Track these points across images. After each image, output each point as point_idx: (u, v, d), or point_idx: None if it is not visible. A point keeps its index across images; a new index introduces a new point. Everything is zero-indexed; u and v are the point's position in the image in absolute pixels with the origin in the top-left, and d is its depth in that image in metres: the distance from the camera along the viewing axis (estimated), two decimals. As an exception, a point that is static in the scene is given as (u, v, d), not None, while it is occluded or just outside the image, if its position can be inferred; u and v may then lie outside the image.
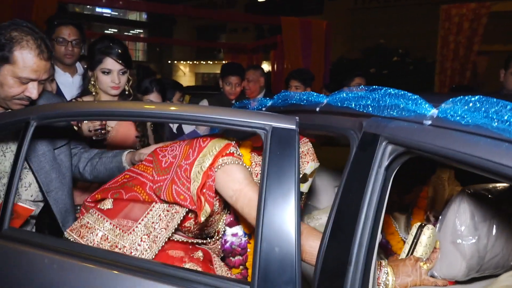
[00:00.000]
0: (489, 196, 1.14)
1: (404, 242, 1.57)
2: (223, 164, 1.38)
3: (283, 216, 1.16)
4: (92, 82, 2.14)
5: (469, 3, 7.88)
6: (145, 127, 2.28)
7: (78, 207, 1.97)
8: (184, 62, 18.88)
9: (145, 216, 1.43)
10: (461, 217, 1.10)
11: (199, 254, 1.55)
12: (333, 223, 1.08)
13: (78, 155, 1.82)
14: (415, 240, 1.32)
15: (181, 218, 1.45)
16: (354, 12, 15.22)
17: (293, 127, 1.24)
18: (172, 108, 1.34)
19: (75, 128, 2.04)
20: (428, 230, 1.30)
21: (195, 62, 17.69)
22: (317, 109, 1.40)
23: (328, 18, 10.02)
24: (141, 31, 19.99)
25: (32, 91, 1.52)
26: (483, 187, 1.16)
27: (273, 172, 1.20)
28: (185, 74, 18.21)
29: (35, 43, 1.48)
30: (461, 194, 1.13)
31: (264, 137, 1.25)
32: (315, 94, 1.46)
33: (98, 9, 17.88)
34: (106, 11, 18.77)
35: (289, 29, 8.47)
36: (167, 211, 1.44)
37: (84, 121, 2.03)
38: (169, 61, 19.33)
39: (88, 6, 15.44)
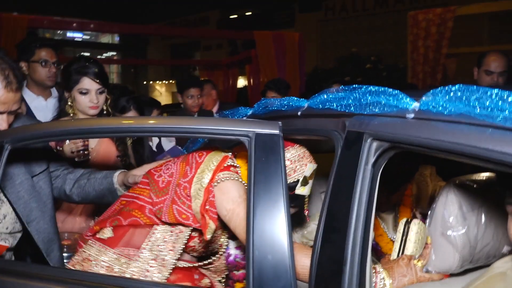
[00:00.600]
0: (475, 186, 1.15)
1: (394, 242, 1.57)
2: (218, 181, 1.36)
3: (273, 222, 1.14)
4: (69, 103, 2.09)
5: (434, 8, 8.16)
6: (126, 146, 2.24)
7: (66, 234, 1.90)
8: (160, 82, 18.81)
9: (148, 240, 1.38)
10: (449, 208, 1.10)
11: (206, 281, 1.52)
12: (324, 225, 1.07)
13: (62, 176, 1.74)
14: (403, 238, 1.32)
15: (187, 237, 1.41)
16: (324, 23, 15.50)
17: (277, 132, 1.24)
18: (153, 121, 1.32)
19: (56, 151, 1.98)
20: (415, 225, 1.30)
21: (170, 81, 17.63)
22: (299, 113, 1.40)
23: (300, 30, 10.18)
24: (114, 53, 19.85)
25: (1, 123, 1.45)
26: (468, 177, 1.17)
27: (260, 179, 1.18)
28: (161, 94, 18.11)
29: (2, 75, 1.41)
30: (448, 186, 1.13)
31: (248, 144, 1.24)
32: (295, 98, 1.46)
33: (69, 34, 17.70)
34: (78, 35, 18.60)
35: (263, 43, 8.57)
36: (171, 232, 1.40)
37: (66, 143, 1.97)
38: (145, 82, 19.22)
39: (59, 32, 15.28)
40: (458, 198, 1.11)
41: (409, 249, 1.28)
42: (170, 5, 14.86)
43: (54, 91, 2.77)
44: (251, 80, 9.18)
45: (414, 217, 1.84)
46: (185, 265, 1.46)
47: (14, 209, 1.53)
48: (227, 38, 11.76)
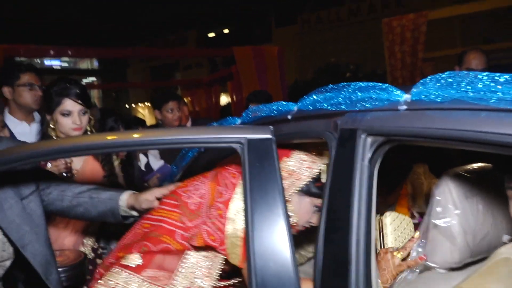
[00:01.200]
0: (470, 175, 1.15)
1: None
2: None
3: (273, 228, 1.12)
4: (52, 126, 2.05)
5: (407, 14, 8.37)
6: (112, 166, 2.19)
7: (57, 252, 1.83)
8: (142, 104, 18.72)
9: (181, 267, 1.31)
10: (440, 198, 1.10)
11: None
12: (325, 225, 1.05)
13: (55, 193, 1.67)
14: (381, 234, 1.31)
15: (222, 262, 1.34)
16: (301, 36, 15.73)
17: (269, 136, 1.23)
18: (143, 134, 1.29)
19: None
20: (386, 218, 1.30)
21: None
22: (289, 117, 1.39)
23: (277, 44, 10.29)
24: (94, 79, 19.73)
25: None
26: (463, 168, 1.18)
27: (255, 184, 1.17)
28: (144, 116, 18.02)
29: None
30: (442, 178, 1.13)
31: (241, 150, 1.22)
32: (284, 103, 1.45)
33: (47, 62, 17.53)
34: (56, 63, 18.44)
35: (243, 59, 8.61)
36: (205, 257, 1.34)
37: (48, 166, 1.92)
38: (126, 105, 19.08)
39: (36, 60, 15.14)
40: (449, 188, 1.11)
41: (388, 242, 1.28)
42: (148, 27, 14.91)
43: (36, 116, 2.73)
44: (234, 97, 9.19)
45: (412, 216, 1.84)
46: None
47: (6, 235, 1.47)
48: (207, 56, 11.80)
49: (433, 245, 1.12)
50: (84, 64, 20.66)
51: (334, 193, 1.06)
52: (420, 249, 1.20)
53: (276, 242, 1.11)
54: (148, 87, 16.01)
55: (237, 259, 1.28)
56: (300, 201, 1.41)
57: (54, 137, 2.06)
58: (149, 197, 1.55)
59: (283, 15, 15.80)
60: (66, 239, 2.04)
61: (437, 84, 0.86)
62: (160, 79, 16.74)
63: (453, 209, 1.09)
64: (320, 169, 1.40)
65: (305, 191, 1.40)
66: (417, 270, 1.20)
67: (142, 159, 2.88)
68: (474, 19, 10.17)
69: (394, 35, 8.26)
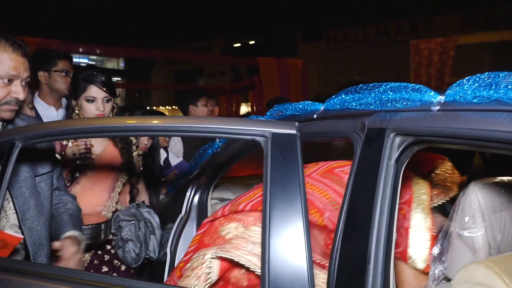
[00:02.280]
0: (499, 188, 1.12)
1: None
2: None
3: (291, 222, 1.10)
4: (76, 111, 2.09)
5: (436, 38, 8.30)
6: (130, 155, 2.21)
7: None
8: (163, 108, 18.98)
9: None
10: (466, 208, 1.07)
11: None
12: (345, 222, 1.03)
13: (56, 191, 1.74)
14: None
15: None
16: (326, 52, 15.76)
17: (294, 131, 1.21)
18: (169, 120, 1.29)
19: (58, 156, 1.96)
20: None
21: (174, 107, 17.79)
22: (315, 116, 1.38)
23: (302, 59, 10.33)
24: (119, 79, 20.12)
25: (17, 90, 1.47)
26: (493, 180, 1.14)
27: (276, 178, 1.15)
28: (164, 119, 18.21)
29: (7, 42, 1.46)
30: (469, 187, 1.10)
31: (264, 144, 1.21)
32: (310, 102, 1.44)
33: (75, 59, 17.95)
34: (84, 61, 18.90)
35: (267, 69, 8.66)
36: None
37: (69, 145, 1.96)
38: (148, 107, 19.38)
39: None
40: (477, 198, 1.07)
41: None
42: (175, 32, 15.15)
43: (64, 102, 2.79)
44: (254, 106, 9.23)
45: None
46: None
47: (13, 203, 1.50)
48: (232, 64, 11.92)
49: (454, 254, 1.08)
50: (111, 64, 21.09)
51: (356, 191, 1.04)
52: (441, 267, 1.16)
53: (293, 237, 1.09)
54: (172, 89, 16.21)
55: (422, 262, 1.21)
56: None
57: None
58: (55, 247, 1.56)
59: (310, 30, 15.87)
60: (91, 198, 2.08)
61: (475, 84, 0.84)
62: (184, 84, 16.94)
63: (480, 220, 1.05)
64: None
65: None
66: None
67: (162, 154, 2.90)
68: (503, 46, 10.02)
69: (421, 58, 8.21)
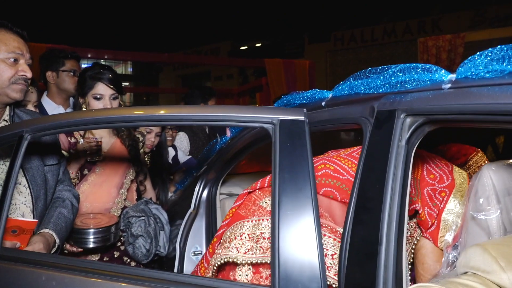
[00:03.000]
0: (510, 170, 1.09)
1: None
2: None
3: (300, 209, 1.09)
4: (84, 109, 2.10)
5: (444, 35, 8.23)
6: (138, 152, 2.21)
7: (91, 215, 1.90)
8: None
9: None
10: (481, 190, 1.04)
11: None
12: (356, 206, 1.01)
13: (59, 186, 1.75)
14: None
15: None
16: (333, 53, 15.71)
17: (302, 118, 1.20)
18: (177, 109, 1.29)
19: (65, 153, 1.97)
20: None
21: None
22: (323, 103, 1.36)
23: (309, 60, 10.32)
24: (127, 83, 20.29)
25: (25, 68, 1.53)
26: (506, 162, 1.11)
27: (285, 164, 1.14)
28: (172, 123, 18.24)
29: (8, 27, 1.55)
30: (483, 169, 1.07)
31: (272, 131, 1.20)
32: (318, 90, 1.43)
33: (84, 65, 18.11)
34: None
35: (274, 70, 8.65)
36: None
37: (80, 142, 1.96)
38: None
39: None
40: (491, 181, 1.05)
41: None
42: (182, 37, 15.25)
43: (71, 102, 2.81)
44: (262, 108, 9.19)
45: None
46: None
47: (29, 187, 1.53)
48: (239, 66, 11.95)
49: (468, 238, 1.06)
50: (119, 69, 21.27)
51: (366, 173, 1.02)
52: (454, 253, 1.14)
53: (302, 223, 1.07)
54: (180, 92, 16.27)
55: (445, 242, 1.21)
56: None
57: None
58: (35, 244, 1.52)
59: (317, 31, 15.85)
60: (101, 195, 2.07)
61: (487, 59, 0.82)
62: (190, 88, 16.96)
63: (495, 202, 1.03)
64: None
65: None
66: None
67: (170, 152, 2.90)
68: (513, 44, 9.90)
69: (429, 55, 8.13)
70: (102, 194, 2.08)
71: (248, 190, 1.51)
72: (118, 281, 1.09)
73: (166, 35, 14.71)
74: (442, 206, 1.21)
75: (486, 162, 1.42)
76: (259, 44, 17.57)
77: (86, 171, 2.07)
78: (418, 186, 1.26)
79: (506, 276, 0.68)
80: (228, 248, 1.32)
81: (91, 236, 1.81)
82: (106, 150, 2.12)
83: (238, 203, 1.51)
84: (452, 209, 1.19)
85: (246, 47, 17.81)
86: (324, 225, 1.29)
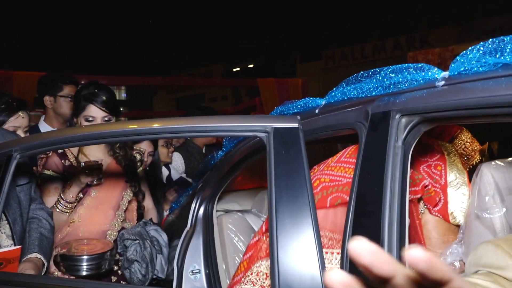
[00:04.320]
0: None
1: None
2: None
3: (298, 216, 1.06)
4: None
5: (433, 49, 8.35)
6: (135, 172, 2.17)
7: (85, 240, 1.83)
8: (166, 135, 18.97)
9: None
10: (483, 188, 1.02)
11: None
12: (355, 210, 0.98)
13: (32, 205, 1.71)
14: None
15: None
16: (325, 71, 15.87)
17: (296, 125, 1.19)
18: (170, 122, 1.27)
19: (52, 173, 1.94)
20: None
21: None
22: (317, 111, 1.35)
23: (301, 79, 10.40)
24: (122, 109, 20.34)
25: None
26: (505, 161, 1.10)
27: (280, 171, 1.12)
28: (168, 146, 18.17)
29: None
30: (483, 168, 1.05)
31: (266, 139, 1.18)
32: (311, 98, 1.42)
33: (77, 92, 18.10)
34: (85, 93, 19.12)
35: (267, 90, 8.71)
36: None
37: (82, 165, 1.92)
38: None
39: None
40: (493, 179, 1.03)
41: None
42: (175, 61, 15.36)
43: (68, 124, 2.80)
44: (256, 127, 9.19)
45: None
46: None
47: (4, 213, 1.48)
48: (232, 86, 12.03)
49: (472, 238, 1.03)
50: (113, 95, 21.30)
51: (364, 176, 1.00)
52: (456, 252, 1.11)
53: (300, 231, 1.04)
54: (174, 115, 16.29)
55: (462, 217, 1.19)
56: None
57: None
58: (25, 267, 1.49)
59: (308, 50, 16.04)
60: (97, 218, 2.02)
61: (479, 52, 0.81)
62: (186, 109, 16.99)
63: (499, 201, 1.00)
64: None
65: None
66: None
67: (164, 172, 2.86)
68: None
69: (419, 69, 8.21)
70: (98, 217, 2.03)
71: (255, 239, 1.49)
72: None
73: (159, 60, 14.84)
74: (443, 181, 1.19)
75: (474, 139, 1.41)
76: (251, 65, 17.73)
77: (81, 194, 2.02)
78: (414, 166, 1.25)
79: None
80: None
81: (84, 263, 1.74)
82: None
83: (248, 255, 1.50)
84: (453, 180, 1.18)
85: (238, 69, 17.96)
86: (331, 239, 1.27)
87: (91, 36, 12.25)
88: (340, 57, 15.75)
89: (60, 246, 1.81)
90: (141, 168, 2.27)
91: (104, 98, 2.03)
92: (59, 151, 2.04)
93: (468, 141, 1.38)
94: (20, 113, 2.09)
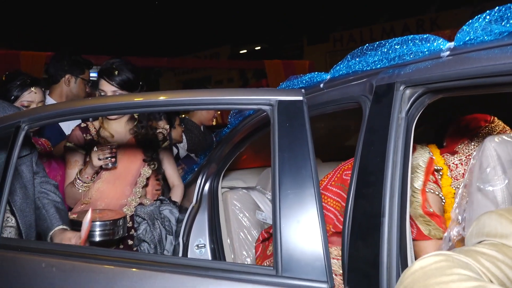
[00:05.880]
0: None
1: None
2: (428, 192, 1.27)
3: (301, 187, 1.07)
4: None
5: (443, 31, 8.21)
6: (153, 150, 2.16)
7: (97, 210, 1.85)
8: (172, 116, 19.01)
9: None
10: (485, 161, 1.02)
11: None
12: (357, 180, 0.99)
13: (37, 178, 1.70)
14: None
15: None
16: (333, 54, 15.70)
17: (300, 98, 1.19)
18: (174, 95, 1.27)
19: (72, 145, 1.95)
20: None
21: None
22: (321, 85, 1.35)
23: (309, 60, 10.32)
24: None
25: None
26: (508, 135, 1.10)
27: (284, 144, 1.12)
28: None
29: None
30: (484, 143, 1.06)
31: (271, 112, 1.19)
32: (316, 73, 1.42)
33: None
34: (93, 75, 19.15)
35: (274, 72, 8.66)
36: None
37: (94, 150, 1.93)
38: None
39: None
40: (495, 152, 1.03)
41: None
42: (181, 42, 15.27)
43: None
44: (263, 109, 9.17)
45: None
46: None
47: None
48: (238, 68, 11.98)
49: (474, 211, 1.04)
50: (119, 77, 21.27)
51: (367, 148, 1.00)
52: (457, 229, 1.12)
53: (303, 201, 1.05)
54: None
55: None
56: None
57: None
58: (72, 241, 1.51)
59: (316, 33, 15.86)
60: (115, 193, 2.05)
61: (485, 21, 0.81)
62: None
63: (501, 173, 1.01)
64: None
65: None
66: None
67: (173, 151, 2.89)
68: None
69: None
70: (116, 192, 2.05)
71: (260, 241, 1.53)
72: (120, 266, 1.08)
73: (165, 42, 14.76)
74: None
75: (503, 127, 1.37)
76: (259, 47, 17.59)
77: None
78: None
79: None
80: None
81: (96, 229, 1.79)
82: (121, 144, 2.09)
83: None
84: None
85: (245, 51, 17.83)
86: None
87: (98, 17, 12.20)
88: (348, 39, 15.56)
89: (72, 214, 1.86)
90: (165, 144, 2.26)
91: (116, 73, 2.03)
92: (82, 125, 2.09)
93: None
94: (33, 88, 2.12)
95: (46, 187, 1.71)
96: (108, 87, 2.02)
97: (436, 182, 1.27)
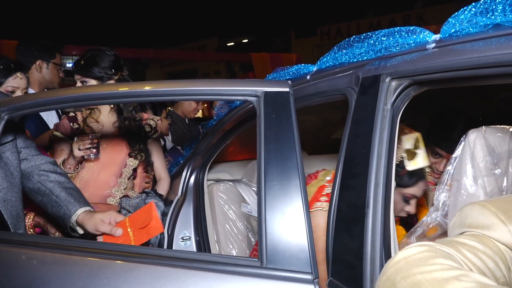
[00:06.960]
0: (501, 135, 1.09)
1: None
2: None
3: (286, 179, 1.07)
4: None
5: (429, 26, 8.28)
6: (139, 142, 2.12)
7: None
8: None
9: None
10: (480, 152, 1.03)
11: None
12: (342, 172, 1.00)
13: (30, 160, 1.59)
14: None
15: None
16: (320, 47, 15.73)
17: (287, 89, 1.18)
18: (159, 85, 1.25)
19: (61, 135, 1.90)
20: None
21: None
22: (308, 77, 1.35)
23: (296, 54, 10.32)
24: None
25: None
26: (496, 127, 1.11)
27: (270, 135, 1.12)
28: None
29: None
30: (467, 135, 1.07)
31: (257, 103, 1.18)
32: (303, 65, 1.41)
33: (68, 64, 17.86)
34: (69, 66, 18.82)
35: (261, 65, 8.62)
36: None
37: (74, 140, 1.90)
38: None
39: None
40: (488, 143, 1.04)
41: None
42: (168, 34, 15.12)
43: None
44: (250, 102, 9.16)
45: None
46: None
47: None
48: (226, 60, 11.91)
49: (458, 201, 1.05)
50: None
51: (352, 139, 1.00)
52: (435, 214, 1.13)
53: (288, 193, 1.05)
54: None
55: None
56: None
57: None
58: (103, 217, 1.44)
59: (303, 26, 15.86)
60: (99, 183, 2.02)
61: (471, 13, 0.81)
62: (178, 84, 16.82)
63: (493, 165, 1.02)
64: (402, 153, 1.35)
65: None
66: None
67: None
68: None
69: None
70: (100, 182, 2.01)
71: None
72: (104, 258, 1.06)
73: (151, 33, 14.58)
74: None
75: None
76: (246, 40, 17.52)
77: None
78: None
79: (507, 229, 0.66)
80: None
81: None
82: (106, 134, 2.05)
83: None
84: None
85: (232, 43, 17.73)
86: None
87: (84, 7, 11.98)
88: (336, 33, 15.60)
89: None
90: (156, 135, 2.23)
91: (82, 62, 1.99)
92: (71, 114, 2.06)
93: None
94: (18, 74, 2.06)
95: (44, 168, 1.60)
96: (76, 77, 1.99)
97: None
